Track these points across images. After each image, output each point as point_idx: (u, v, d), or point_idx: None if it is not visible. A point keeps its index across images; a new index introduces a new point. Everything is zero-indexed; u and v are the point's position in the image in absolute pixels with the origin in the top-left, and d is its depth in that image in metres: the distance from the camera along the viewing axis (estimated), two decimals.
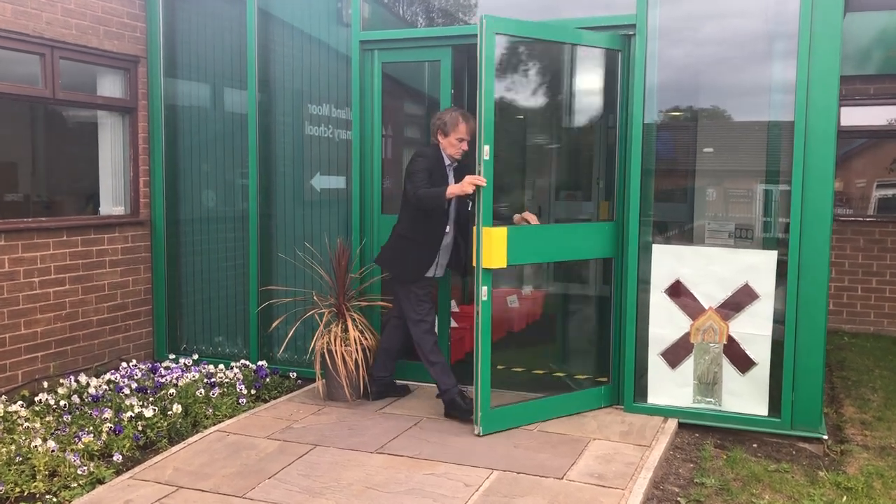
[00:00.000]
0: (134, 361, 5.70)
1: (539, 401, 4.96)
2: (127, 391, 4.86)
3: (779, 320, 4.72)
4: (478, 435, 4.52)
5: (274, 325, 5.57)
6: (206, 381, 5.19)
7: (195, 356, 5.93)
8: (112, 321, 5.98)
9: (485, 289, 4.36)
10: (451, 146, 4.90)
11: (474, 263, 4.38)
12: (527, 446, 4.37)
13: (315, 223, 5.89)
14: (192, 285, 6.30)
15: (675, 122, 5.21)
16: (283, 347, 5.56)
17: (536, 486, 3.83)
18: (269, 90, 5.98)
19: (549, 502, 3.66)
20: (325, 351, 5.10)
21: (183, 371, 5.36)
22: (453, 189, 4.57)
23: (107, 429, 4.32)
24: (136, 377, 5.20)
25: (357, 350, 5.06)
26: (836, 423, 5.16)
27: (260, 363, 5.69)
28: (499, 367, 6.13)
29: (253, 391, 5.32)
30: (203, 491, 3.81)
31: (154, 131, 6.23)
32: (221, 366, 5.60)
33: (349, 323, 5.14)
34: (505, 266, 4.43)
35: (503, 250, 4.38)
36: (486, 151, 4.26)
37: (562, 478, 3.94)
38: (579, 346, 6.65)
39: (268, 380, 5.54)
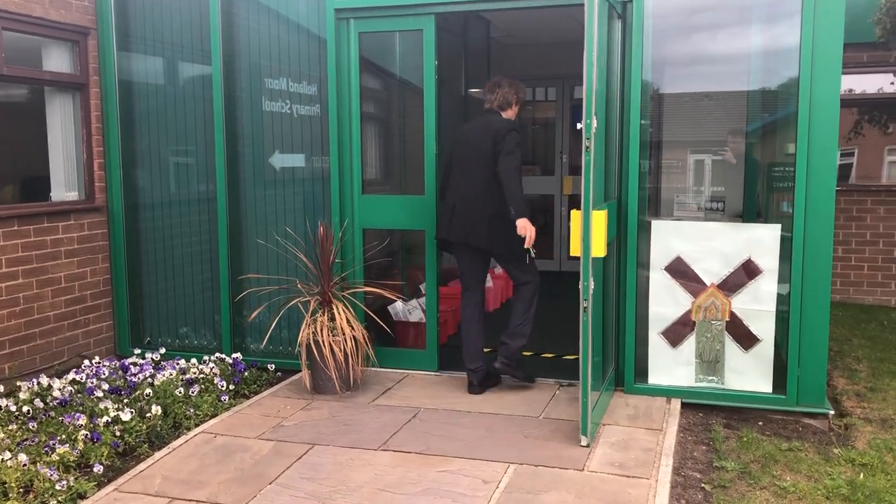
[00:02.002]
0: (96, 358, 5.29)
1: None
2: (99, 393, 4.47)
3: (783, 295, 4.62)
4: (585, 446, 3.98)
5: (253, 314, 5.23)
6: (182, 377, 4.83)
7: (162, 350, 5.54)
8: (70, 316, 5.54)
9: (593, 282, 3.95)
10: (515, 116, 4.94)
11: (574, 252, 3.95)
12: (537, 435, 4.17)
13: (289, 205, 5.54)
14: (155, 274, 5.88)
15: (672, 93, 5.03)
16: (265, 339, 5.21)
17: (559, 480, 3.63)
18: (236, 64, 5.57)
19: (576, 496, 3.47)
20: (311, 342, 4.80)
21: (154, 368, 4.98)
22: (527, 223, 4.56)
23: (83, 436, 3.94)
24: (103, 376, 4.80)
25: (346, 340, 4.77)
26: (831, 395, 5.11)
27: (235, 356, 5.34)
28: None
29: (232, 386, 4.98)
30: (200, 502, 3.50)
31: (108, 109, 5.75)
32: (194, 360, 5.24)
33: (336, 311, 4.84)
34: (604, 255, 4.17)
35: (604, 235, 4.05)
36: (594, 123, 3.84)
37: (582, 469, 3.75)
38: (572, 327, 6.46)
39: (246, 373, 5.20)
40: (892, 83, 7.63)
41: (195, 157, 5.74)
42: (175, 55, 5.75)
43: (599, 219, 3.90)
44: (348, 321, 4.83)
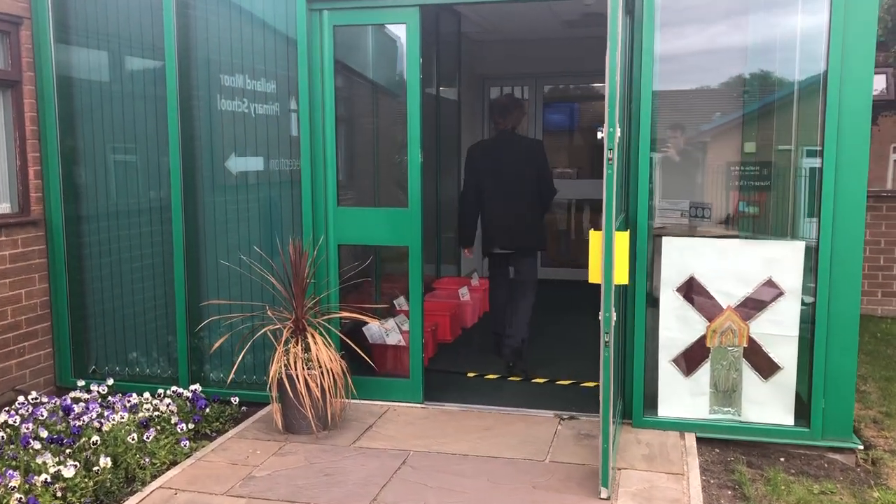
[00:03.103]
0: (33, 394, 4.64)
1: None
2: (37, 444, 3.83)
3: (806, 318, 4.22)
4: (606, 498, 3.50)
5: (215, 346, 4.63)
6: (134, 418, 4.21)
7: (109, 381, 4.91)
8: (3, 345, 4.86)
9: (615, 313, 3.47)
10: None
11: (594, 279, 3.45)
12: (547, 485, 3.68)
13: (254, 213, 4.96)
14: (101, 294, 5.23)
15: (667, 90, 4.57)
16: (230, 374, 4.60)
17: None
18: (192, 59, 4.96)
19: None
20: (283, 376, 4.23)
21: (101, 404, 4.35)
22: None
23: (16, 501, 3.32)
24: (41, 417, 4.16)
25: (323, 374, 4.22)
26: None
27: (193, 387, 4.74)
28: (469, 374, 5.47)
29: (192, 425, 4.39)
30: None
31: (44, 109, 5.08)
32: (147, 394, 4.62)
33: (312, 341, 4.28)
34: (627, 282, 3.71)
35: (627, 259, 3.56)
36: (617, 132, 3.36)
37: None
38: (567, 346, 6.11)
39: (207, 409, 4.60)
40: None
41: (146, 161, 5.11)
42: (122, 48, 5.10)
43: (622, 241, 3.43)
44: (325, 352, 4.28)
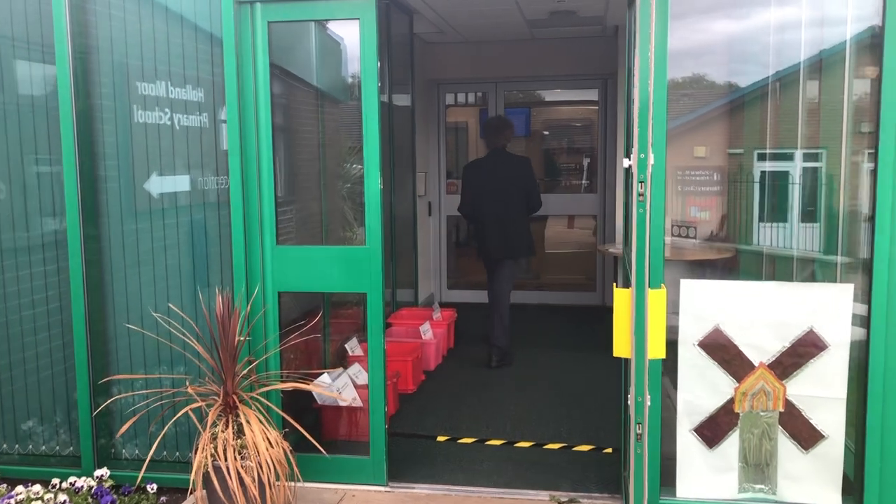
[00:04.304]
0: None
1: None
2: None
3: (856, 377, 3.48)
4: None
5: (124, 428, 3.65)
6: None
7: None
8: None
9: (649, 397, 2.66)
10: None
11: (621, 352, 2.61)
12: None
13: (179, 251, 4.01)
14: None
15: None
16: (148, 457, 3.62)
17: None
18: (95, 63, 4.00)
19: None
20: (210, 468, 3.30)
21: None
22: None
23: None
24: None
25: (261, 463, 3.30)
26: None
27: (99, 472, 3.77)
28: (439, 438, 4.61)
29: None
30: None
31: None
32: (37, 487, 3.62)
33: (245, 423, 3.36)
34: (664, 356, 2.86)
35: (664, 326, 2.72)
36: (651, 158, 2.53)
37: None
38: (553, 396, 5.21)
39: None
40: None
41: (37, 187, 4.12)
42: (4, 50, 4.10)
43: (659, 303, 2.61)
44: (263, 436, 3.36)
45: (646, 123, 2.46)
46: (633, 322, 2.53)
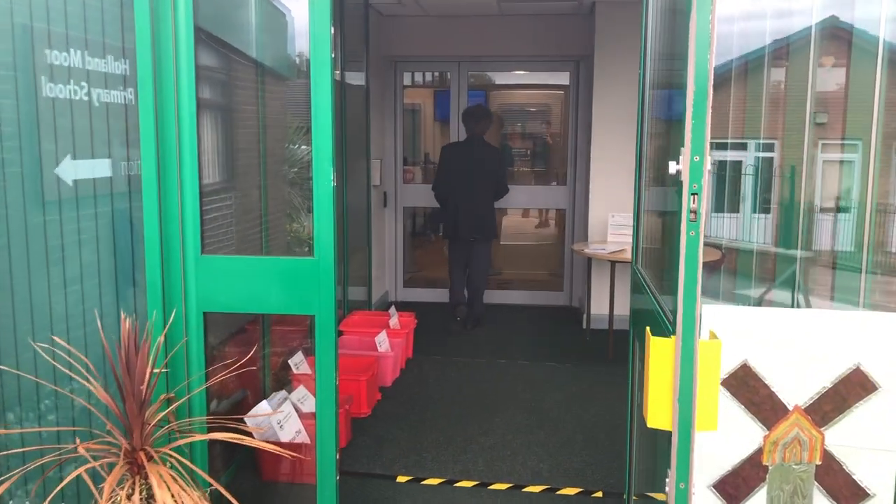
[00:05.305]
0: None
1: None
2: None
3: None
4: None
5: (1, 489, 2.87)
6: None
7: None
8: None
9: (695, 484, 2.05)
10: None
11: (658, 422, 1.94)
12: None
13: (96, 246, 3.22)
14: None
15: None
16: None
17: None
18: None
19: None
20: None
21: None
22: None
23: None
24: None
25: None
26: None
27: None
28: (399, 478, 3.93)
29: None
30: None
31: None
32: None
33: (157, 487, 2.61)
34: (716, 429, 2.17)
35: (717, 390, 2.04)
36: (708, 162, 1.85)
37: None
38: (524, 425, 4.43)
39: None
40: None
41: None
42: None
43: (712, 356, 1.95)
44: (180, 500, 2.62)
45: (703, 115, 1.78)
46: (678, 384, 1.87)
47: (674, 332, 1.94)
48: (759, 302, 6.58)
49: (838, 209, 7.88)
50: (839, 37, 7.17)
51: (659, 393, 1.95)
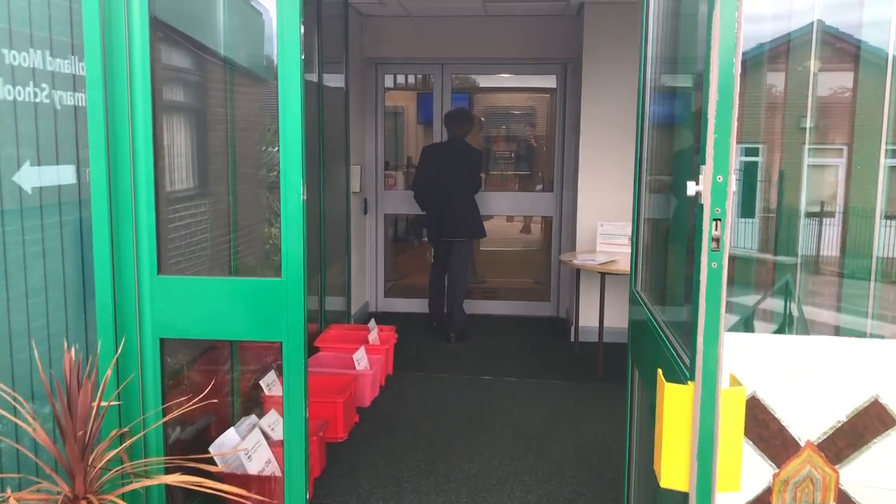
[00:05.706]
0: None
1: None
2: None
3: None
4: None
5: None
6: None
7: None
8: None
9: None
10: None
11: (673, 482, 1.68)
12: None
13: (55, 263, 2.92)
14: None
15: None
16: None
17: None
18: None
19: None
20: None
21: None
22: None
23: None
24: None
25: None
26: None
27: None
28: None
29: None
30: None
31: None
32: None
33: None
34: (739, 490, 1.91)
35: (741, 445, 1.79)
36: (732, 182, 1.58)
37: None
38: (507, 458, 4.10)
39: None
40: None
41: None
42: None
43: (735, 406, 1.70)
44: None
45: (728, 128, 1.52)
46: (697, 438, 1.61)
47: (691, 378, 1.68)
48: (753, 311, 6.36)
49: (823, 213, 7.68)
50: (826, 42, 6.98)
51: (674, 448, 1.70)
